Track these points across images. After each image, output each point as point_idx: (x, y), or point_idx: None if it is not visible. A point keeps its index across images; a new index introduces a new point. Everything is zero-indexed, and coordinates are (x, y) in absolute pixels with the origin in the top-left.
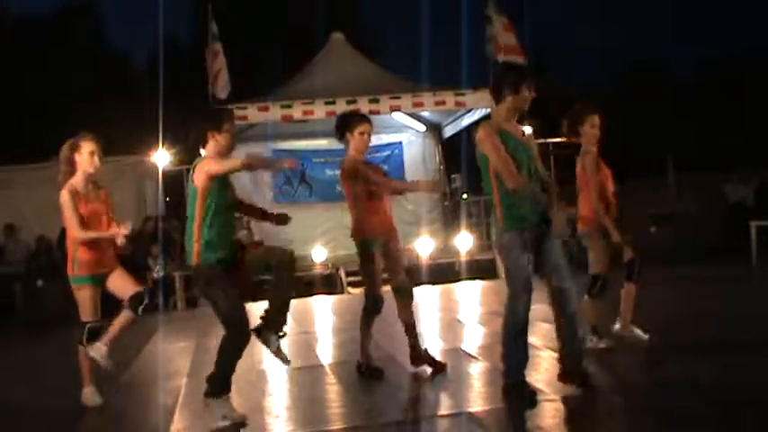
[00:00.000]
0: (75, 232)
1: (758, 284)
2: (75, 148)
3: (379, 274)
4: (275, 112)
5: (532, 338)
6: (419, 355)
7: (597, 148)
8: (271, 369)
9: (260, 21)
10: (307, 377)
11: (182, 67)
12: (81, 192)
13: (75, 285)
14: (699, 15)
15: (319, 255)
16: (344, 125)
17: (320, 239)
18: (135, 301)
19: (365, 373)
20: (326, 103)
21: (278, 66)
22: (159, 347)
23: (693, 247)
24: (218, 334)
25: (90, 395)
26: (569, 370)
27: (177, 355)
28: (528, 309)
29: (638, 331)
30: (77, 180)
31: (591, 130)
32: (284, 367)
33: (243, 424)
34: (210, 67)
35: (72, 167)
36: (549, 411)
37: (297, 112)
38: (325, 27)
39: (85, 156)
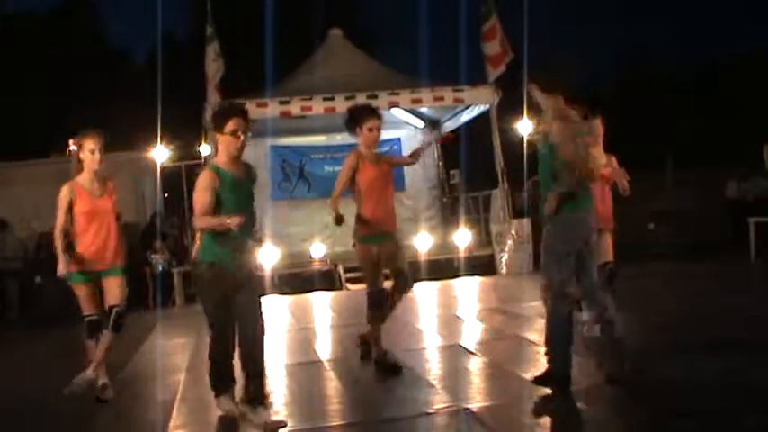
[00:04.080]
0: (56, 230)
1: (757, 281)
2: (79, 146)
3: (379, 271)
4: (274, 109)
5: (532, 335)
6: (368, 351)
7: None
8: (269, 365)
9: (258, 17)
10: (305, 373)
11: (180, 63)
12: (86, 188)
13: (71, 283)
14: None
15: (318, 251)
16: (353, 120)
17: (319, 235)
18: (114, 321)
19: (381, 367)
20: (325, 99)
21: (276, 62)
22: (158, 343)
23: (692, 244)
24: None
25: (85, 381)
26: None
27: (176, 351)
28: None
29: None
30: (83, 177)
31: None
32: (283, 363)
33: (244, 420)
34: (208, 69)
35: (80, 164)
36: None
37: (295, 108)
38: (324, 23)
39: (87, 153)
